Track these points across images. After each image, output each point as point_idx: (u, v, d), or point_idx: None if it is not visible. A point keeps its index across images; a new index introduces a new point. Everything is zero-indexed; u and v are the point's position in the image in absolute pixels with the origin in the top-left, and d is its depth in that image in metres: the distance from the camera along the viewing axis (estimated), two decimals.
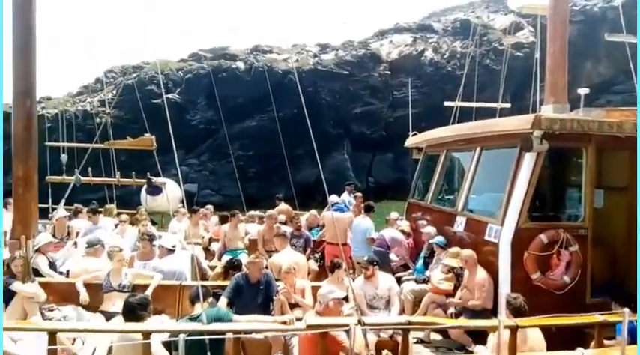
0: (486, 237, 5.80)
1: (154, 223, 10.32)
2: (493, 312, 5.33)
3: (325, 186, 4.65)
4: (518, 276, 5.33)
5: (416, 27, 31.30)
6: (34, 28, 5.78)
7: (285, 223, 9.22)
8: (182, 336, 3.39)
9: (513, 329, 3.99)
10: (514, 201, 5.47)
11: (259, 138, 23.17)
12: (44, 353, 4.10)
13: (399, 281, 6.84)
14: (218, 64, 26.41)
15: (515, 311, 4.32)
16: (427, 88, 26.55)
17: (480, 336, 5.05)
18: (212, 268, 7.92)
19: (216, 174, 24.64)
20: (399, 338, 4.37)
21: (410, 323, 4.31)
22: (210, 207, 11.18)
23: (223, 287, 5.65)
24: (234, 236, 8.79)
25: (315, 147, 4.49)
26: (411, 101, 12.66)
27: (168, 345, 4.12)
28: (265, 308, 5.45)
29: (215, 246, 9.22)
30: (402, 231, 8.18)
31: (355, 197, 10.95)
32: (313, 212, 10.11)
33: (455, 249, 6.18)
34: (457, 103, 10.88)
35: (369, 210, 8.65)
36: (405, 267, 7.88)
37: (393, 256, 7.78)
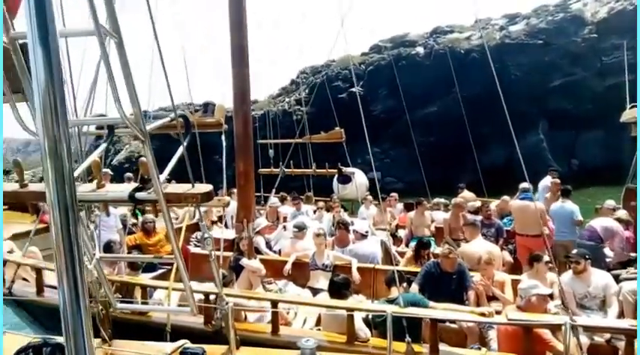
0: None
1: (345, 209, 11.14)
2: None
3: (525, 170, 4.37)
4: None
5: None
6: (247, 48, 6.79)
7: (477, 212, 8.87)
8: (389, 313, 3.67)
9: None
10: None
11: (441, 123, 22.57)
12: (267, 316, 4.92)
13: (617, 279, 5.94)
14: (398, 53, 26.52)
15: None
16: None
17: None
18: (400, 254, 8.17)
19: (398, 161, 24.90)
20: (620, 345, 3.85)
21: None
22: (394, 194, 11.48)
23: (413, 273, 5.81)
24: (421, 223, 8.92)
25: (511, 128, 4.26)
26: (628, 66, 10.59)
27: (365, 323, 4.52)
28: (458, 298, 5.37)
29: (401, 233, 9.49)
30: (619, 220, 7.05)
31: (552, 183, 9.87)
32: (506, 198, 9.38)
33: None
34: None
35: (566, 193, 8.00)
36: (624, 264, 6.79)
37: (607, 251, 6.79)
